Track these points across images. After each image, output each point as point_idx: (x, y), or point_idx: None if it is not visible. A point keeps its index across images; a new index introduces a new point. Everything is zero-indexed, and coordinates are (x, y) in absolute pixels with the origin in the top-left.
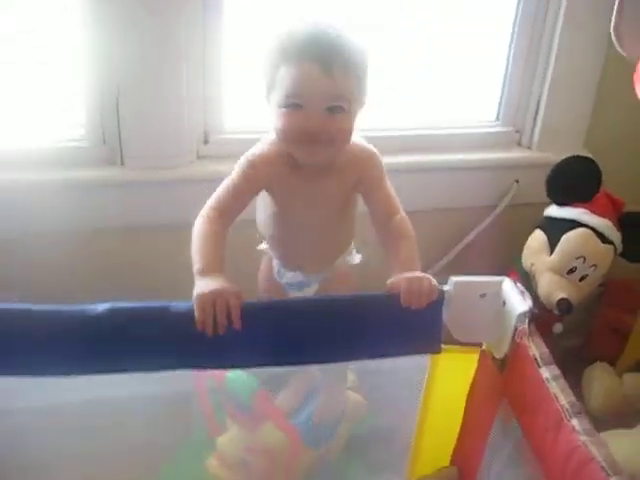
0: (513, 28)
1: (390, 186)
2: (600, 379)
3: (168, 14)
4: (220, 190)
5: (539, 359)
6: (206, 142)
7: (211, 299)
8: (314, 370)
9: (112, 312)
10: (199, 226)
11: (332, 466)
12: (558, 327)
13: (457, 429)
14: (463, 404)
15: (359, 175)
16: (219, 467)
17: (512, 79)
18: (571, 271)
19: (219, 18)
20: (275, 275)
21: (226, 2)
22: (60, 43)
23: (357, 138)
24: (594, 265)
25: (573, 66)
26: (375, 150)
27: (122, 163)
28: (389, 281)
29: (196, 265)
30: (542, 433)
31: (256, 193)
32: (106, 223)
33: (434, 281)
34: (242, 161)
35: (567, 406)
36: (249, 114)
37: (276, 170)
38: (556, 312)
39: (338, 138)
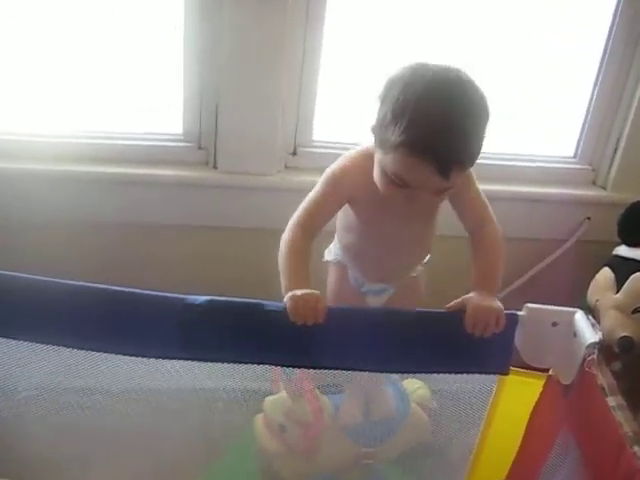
0: (599, 69)
1: (480, 192)
2: None
3: (272, 26)
4: (304, 205)
5: (606, 388)
6: (294, 154)
7: (303, 298)
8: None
9: (211, 303)
10: (285, 245)
11: (381, 474)
12: (617, 365)
13: (515, 450)
14: (524, 426)
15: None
16: (262, 424)
17: (593, 118)
18: (636, 311)
19: (320, 33)
20: (353, 283)
21: (327, 19)
22: (167, 46)
23: None
24: None
25: None
26: None
27: (215, 166)
28: (457, 301)
29: (284, 282)
30: (603, 457)
31: (339, 207)
32: (196, 221)
33: (502, 316)
34: (325, 176)
35: (630, 434)
36: (337, 129)
37: (359, 185)
38: (617, 350)
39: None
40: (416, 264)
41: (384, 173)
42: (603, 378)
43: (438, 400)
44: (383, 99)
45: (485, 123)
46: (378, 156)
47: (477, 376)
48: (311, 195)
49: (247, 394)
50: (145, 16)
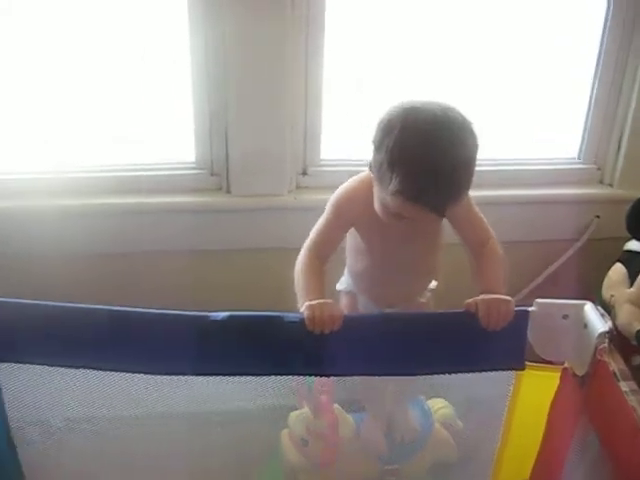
0: (596, 70)
1: (478, 211)
2: None
3: (274, 51)
4: (313, 232)
5: (618, 374)
6: (304, 174)
7: (319, 306)
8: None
9: (232, 318)
10: (299, 268)
11: None
12: (637, 359)
13: (537, 445)
14: (544, 420)
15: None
16: (288, 439)
17: (594, 118)
18: None
19: (320, 59)
20: (362, 309)
21: (327, 43)
22: (174, 78)
23: None
24: None
25: None
26: None
27: (229, 191)
28: (467, 301)
29: (301, 299)
30: (620, 441)
31: (344, 232)
32: (213, 245)
33: (512, 304)
34: (330, 203)
35: None
36: (344, 148)
37: (362, 211)
38: (634, 343)
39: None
40: (423, 287)
41: (384, 206)
42: (615, 365)
43: (459, 410)
44: (378, 146)
45: (475, 158)
46: (378, 191)
47: (495, 378)
48: (319, 222)
49: (275, 411)
50: (150, 48)
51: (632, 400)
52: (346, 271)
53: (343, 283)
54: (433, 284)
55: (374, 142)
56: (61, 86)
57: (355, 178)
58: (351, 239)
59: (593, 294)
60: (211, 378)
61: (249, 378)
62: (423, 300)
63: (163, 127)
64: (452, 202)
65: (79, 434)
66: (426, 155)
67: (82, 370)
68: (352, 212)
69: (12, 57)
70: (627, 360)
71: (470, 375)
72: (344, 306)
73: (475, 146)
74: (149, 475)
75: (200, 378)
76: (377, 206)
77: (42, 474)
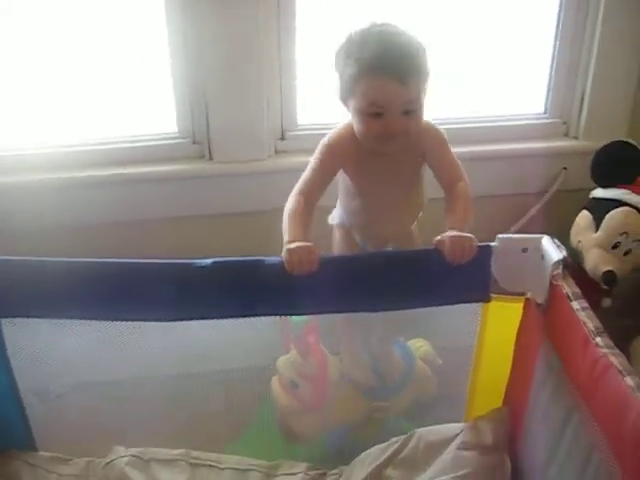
0: (557, 27)
1: (453, 155)
2: None
3: (247, 28)
4: (304, 175)
5: (570, 295)
6: (283, 139)
7: (297, 249)
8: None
9: (215, 264)
10: (288, 209)
11: (392, 425)
12: (607, 302)
13: (508, 372)
14: (512, 348)
15: (424, 149)
16: (278, 384)
17: (557, 74)
18: (615, 246)
19: (292, 25)
20: (358, 242)
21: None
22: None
23: None
24: (637, 240)
25: (614, 59)
26: (436, 126)
27: (211, 158)
28: (436, 239)
29: (285, 238)
30: (574, 353)
31: (334, 173)
32: (197, 210)
33: (475, 240)
34: (320, 146)
35: (592, 328)
36: (320, 111)
37: (350, 152)
38: (603, 285)
39: (412, 132)
40: (409, 222)
41: (360, 113)
42: (568, 287)
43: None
44: (336, 63)
45: (420, 46)
46: (351, 105)
47: (464, 311)
48: (309, 165)
49: (263, 358)
50: (129, 32)
51: (582, 315)
52: (338, 206)
53: (336, 218)
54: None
55: (334, 65)
56: (41, 60)
57: (340, 124)
58: (342, 181)
59: (563, 243)
60: (200, 322)
61: (236, 322)
62: (414, 230)
63: (145, 101)
64: (412, 71)
65: (84, 395)
66: (375, 34)
67: (86, 326)
68: (340, 153)
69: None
70: (598, 303)
71: (441, 311)
72: (339, 239)
73: (424, 48)
74: (141, 425)
75: (190, 324)
76: (356, 123)
77: (51, 435)
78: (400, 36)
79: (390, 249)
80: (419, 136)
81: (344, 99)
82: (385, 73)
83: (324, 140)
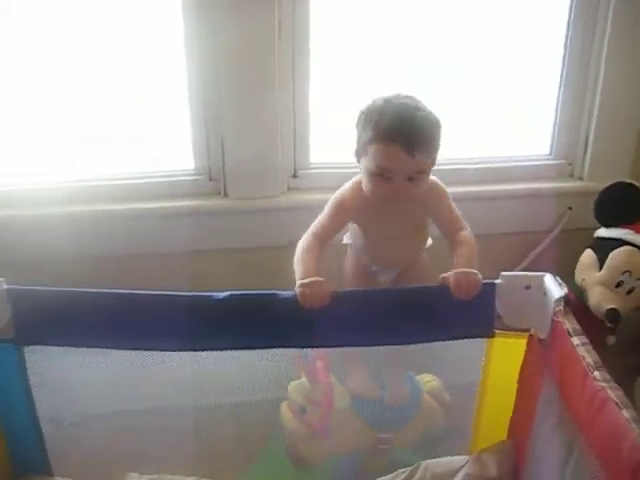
0: (562, 71)
1: (454, 207)
2: None
3: (262, 68)
4: (317, 222)
5: (571, 331)
6: (295, 176)
7: (310, 284)
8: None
9: (231, 297)
10: (301, 247)
11: (398, 457)
12: (611, 339)
13: (512, 406)
14: (516, 383)
15: (429, 207)
16: (287, 409)
17: (562, 117)
18: (618, 285)
19: (306, 68)
20: (365, 263)
21: (312, 48)
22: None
23: None
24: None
25: (618, 101)
26: (439, 182)
27: (226, 195)
28: (441, 276)
29: (298, 273)
30: (574, 386)
31: (345, 225)
32: (212, 245)
33: (479, 276)
34: (334, 201)
35: (591, 362)
36: (332, 151)
37: (361, 209)
38: (607, 323)
39: (417, 197)
40: (417, 250)
41: (369, 173)
42: (569, 323)
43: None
44: (357, 123)
45: (435, 123)
46: (363, 163)
47: (469, 347)
48: (323, 213)
49: (274, 387)
50: (148, 55)
51: (581, 350)
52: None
53: (349, 238)
54: (429, 243)
55: (356, 125)
56: (62, 89)
57: (350, 182)
58: (350, 223)
59: (568, 280)
60: (214, 353)
61: (249, 354)
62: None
63: (164, 137)
64: (422, 146)
65: (99, 423)
66: (393, 107)
67: (103, 355)
68: (351, 209)
69: (12, 57)
70: (603, 341)
71: (447, 346)
72: (350, 260)
73: (434, 116)
74: (154, 453)
75: (204, 354)
76: (364, 181)
77: (67, 461)
78: (418, 111)
79: (398, 270)
80: (423, 196)
81: (358, 156)
82: (396, 143)
83: (337, 196)
